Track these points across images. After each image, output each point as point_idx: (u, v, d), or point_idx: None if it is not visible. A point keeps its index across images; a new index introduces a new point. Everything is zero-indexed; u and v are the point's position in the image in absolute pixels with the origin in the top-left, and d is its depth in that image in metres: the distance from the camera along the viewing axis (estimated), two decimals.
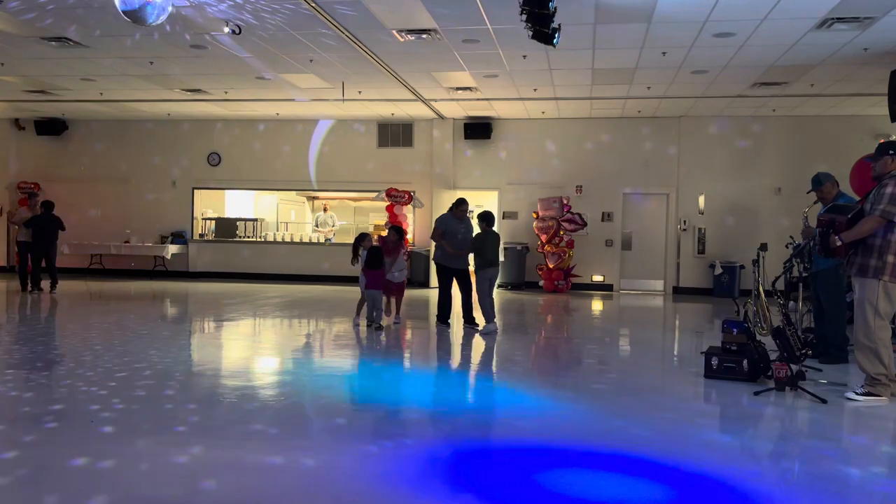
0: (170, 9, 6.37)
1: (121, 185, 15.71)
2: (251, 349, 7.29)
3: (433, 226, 8.95)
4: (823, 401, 4.95)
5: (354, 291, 13.06)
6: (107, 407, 4.53)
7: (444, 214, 8.96)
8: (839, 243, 5.05)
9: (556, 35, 7.01)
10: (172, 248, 15.11)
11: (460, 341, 8.00)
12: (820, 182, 6.47)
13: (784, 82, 10.72)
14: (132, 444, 3.82)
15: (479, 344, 7.75)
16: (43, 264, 11.93)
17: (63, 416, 4.35)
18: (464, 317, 8.72)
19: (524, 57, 9.49)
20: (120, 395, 4.83)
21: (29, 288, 11.80)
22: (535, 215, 13.92)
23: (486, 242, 8.39)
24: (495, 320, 8.47)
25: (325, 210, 16.74)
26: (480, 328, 8.42)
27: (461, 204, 8.81)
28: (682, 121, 13.89)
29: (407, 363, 6.73)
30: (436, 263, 8.94)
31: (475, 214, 9.09)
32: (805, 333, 6.84)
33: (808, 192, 6.79)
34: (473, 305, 8.68)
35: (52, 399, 4.78)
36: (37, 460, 3.53)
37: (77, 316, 9.35)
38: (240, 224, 15.74)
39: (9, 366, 5.84)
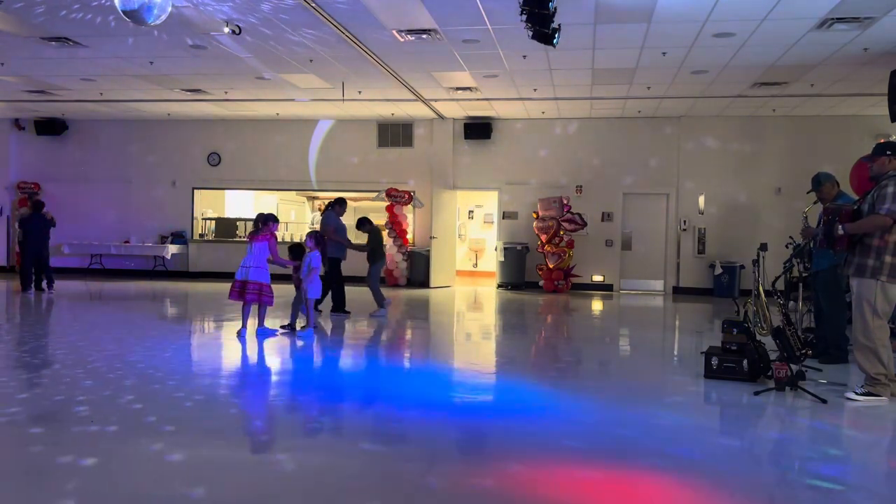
0: (170, 9, 6.37)
1: (121, 185, 15.71)
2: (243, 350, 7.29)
3: (326, 223, 9.26)
4: (823, 401, 4.95)
5: (355, 291, 13.08)
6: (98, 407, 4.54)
7: (329, 213, 9.45)
8: (841, 232, 5.05)
9: (556, 35, 7.01)
10: (172, 248, 15.12)
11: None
12: (820, 182, 6.48)
13: (784, 82, 10.72)
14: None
15: (478, 345, 7.73)
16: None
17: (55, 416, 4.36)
18: (339, 307, 9.38)
19: (524, 57, 9.49)
20: (107, 397, 4.84)
21: (26, 288, 11.75)
22: (535, 215, 13.92)
23: (381, 239, 9.73)
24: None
25: (320, 210, 16.70)
26: (376, 312, 9.41)
27: (344, 203, 9.62)
28: (682, 121, 13.89)
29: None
30: (330, 258, 9.18)
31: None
32: (805, 333, 6.84)
33: (808, 192, 6.79)
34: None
35: (48, 398, 4.78)
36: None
37: (73, 317, 9.35)
38: (240, 224, 15.75)
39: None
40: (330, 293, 9.25)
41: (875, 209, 4.93)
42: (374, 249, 9.55)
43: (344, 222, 9.46)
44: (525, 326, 9.56)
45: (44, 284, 11.92)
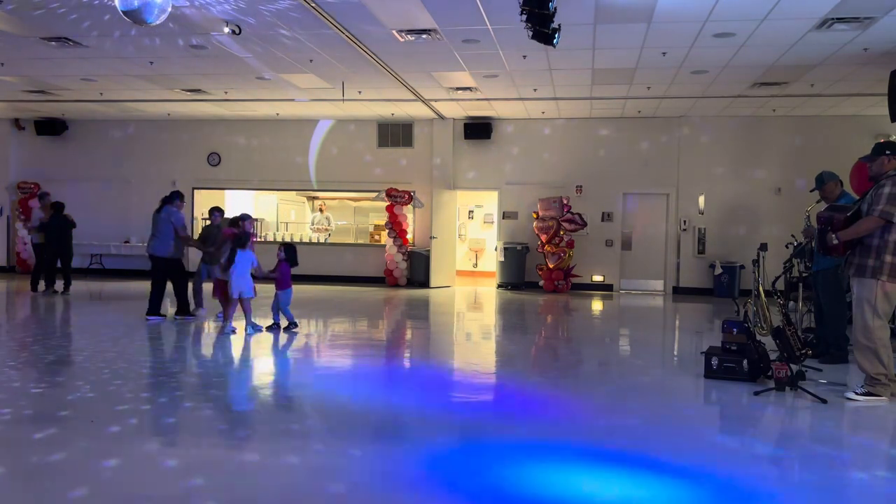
0: (169, 9, 6.37)
1: (121, 185, 15.71)
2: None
3: (175, 223, 8.84)
4: (823, 401, 4.96)
5: (355, 291, 13.09)
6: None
7: (171, 209, 8.92)
8: (835, 241, 5.06)
9: (556, 35, 7.00)
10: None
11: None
12: (823, 181, 6.49)
13: (784, 82, 10.72)
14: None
15: (478, 345, 7.72)
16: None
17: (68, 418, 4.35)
18: (184, 309, 8.90)
19: (524, 57, 9.48)
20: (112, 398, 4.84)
21: (41, 289, 11.53)
22: (535, 215, 13.92)
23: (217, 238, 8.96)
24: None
25: (321, 211, 16.74)
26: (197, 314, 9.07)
27: (182, 197, 9.22)
28: (682, 121, 13.88)
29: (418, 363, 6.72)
30: (167, 260, 8.82)
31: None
32: (805, 333, 6.84)
33: (811, 191, 6.80)
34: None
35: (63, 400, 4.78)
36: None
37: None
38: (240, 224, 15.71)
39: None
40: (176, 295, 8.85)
41: (870, 210, 4.93)
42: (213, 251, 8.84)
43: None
44: (525, 327, 9.56)
45: (56, 286, 11.66)
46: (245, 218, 8.37)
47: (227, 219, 9.22)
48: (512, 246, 14.07)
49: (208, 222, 9.33)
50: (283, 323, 8.10)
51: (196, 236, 10.10)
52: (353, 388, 5.47)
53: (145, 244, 15.03)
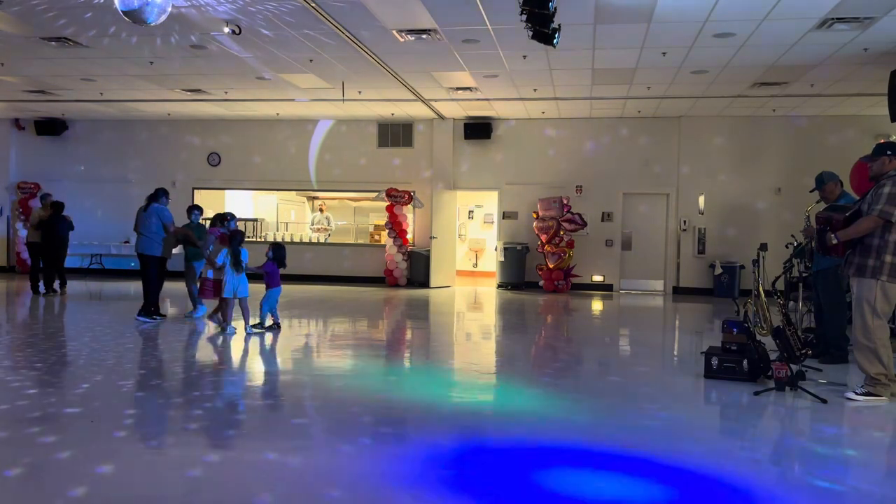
0: (169, 9, 6.37)
1: (121, 185, 15.72)
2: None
3: (165, 219, 8.55)
4: (823, 401, 4.96)
5: (355, 291, 13.09)
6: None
7: (158, 205, 8.67)
8: (835, 241, 5.06)
9: (556, 35, 7.01)
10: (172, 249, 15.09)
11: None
12: (822, 181, 6.49)
13: (784, 82, 10.72)
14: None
15: (478, 345, 7.70)
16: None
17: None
18: (153, 307, 8.68)
19: (524, 57, 9.49)
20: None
21: (42, 290, 11.46)
22: (535, 215, 13.92)
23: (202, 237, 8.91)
24: None
25: (321, 211, 16.74)
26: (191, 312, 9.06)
27: (169, 195, 8.99)
28: (682, 121, 13.88)
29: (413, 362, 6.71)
30: (159, 258, 8.65)
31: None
32: (805, 333, 6.84)
33: (811, 192, 6.80)
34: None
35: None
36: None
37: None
38: (239, 224, 15.70)
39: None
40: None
41: (870, 209, 4.94)
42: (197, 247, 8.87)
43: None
44: (525, 327, 9.56)
45: (55, 286, 11.62)
46: (231, 217, 8.39)
47: (207, 218, 9.22)
48: (512, 246, 14.08)
49: (188, 221, 9.31)
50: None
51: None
52: (353, 386, 5.47)
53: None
